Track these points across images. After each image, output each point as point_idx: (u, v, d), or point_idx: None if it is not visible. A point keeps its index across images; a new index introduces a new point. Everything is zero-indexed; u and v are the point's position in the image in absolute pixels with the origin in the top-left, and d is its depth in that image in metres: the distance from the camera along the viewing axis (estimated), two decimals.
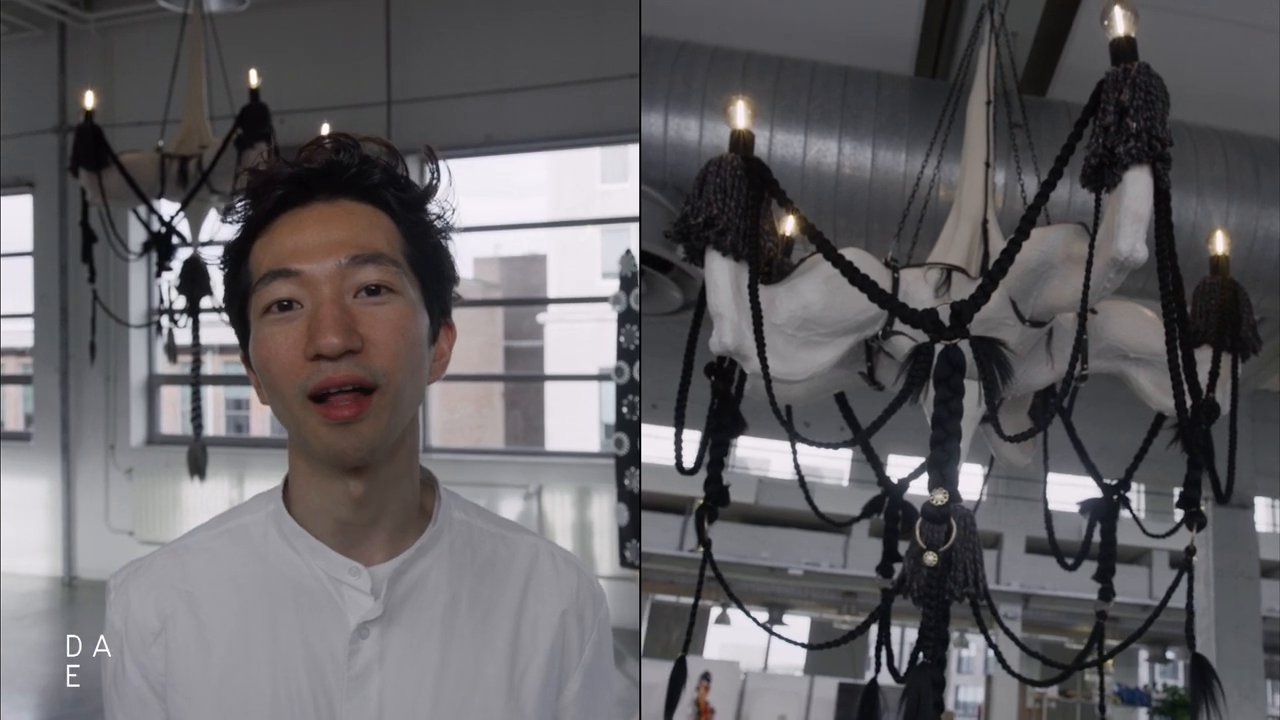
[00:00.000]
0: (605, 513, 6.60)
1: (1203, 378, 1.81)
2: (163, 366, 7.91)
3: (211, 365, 10.10)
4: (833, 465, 13.27)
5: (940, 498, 1.40)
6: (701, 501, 1.99)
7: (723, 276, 1.60)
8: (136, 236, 5.00)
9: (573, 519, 6.83)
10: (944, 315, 1.46)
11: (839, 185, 3.49)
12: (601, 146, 8.37)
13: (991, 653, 2.45)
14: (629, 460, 4.21)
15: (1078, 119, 1.52)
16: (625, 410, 4.26)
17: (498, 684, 1.14)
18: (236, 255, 1.10)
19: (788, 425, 1.91)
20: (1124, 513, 2.18)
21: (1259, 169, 3.53)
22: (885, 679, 2.16)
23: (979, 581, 1.57)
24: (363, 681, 1.10)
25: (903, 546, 2.22)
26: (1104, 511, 2.16)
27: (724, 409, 1.97)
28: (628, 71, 5.43)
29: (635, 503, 4.19)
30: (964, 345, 1.50)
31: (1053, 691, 11.47)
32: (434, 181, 1.14)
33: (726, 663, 11.10)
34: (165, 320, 4.41)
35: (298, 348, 1.03)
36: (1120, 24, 1.49)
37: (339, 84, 6.84)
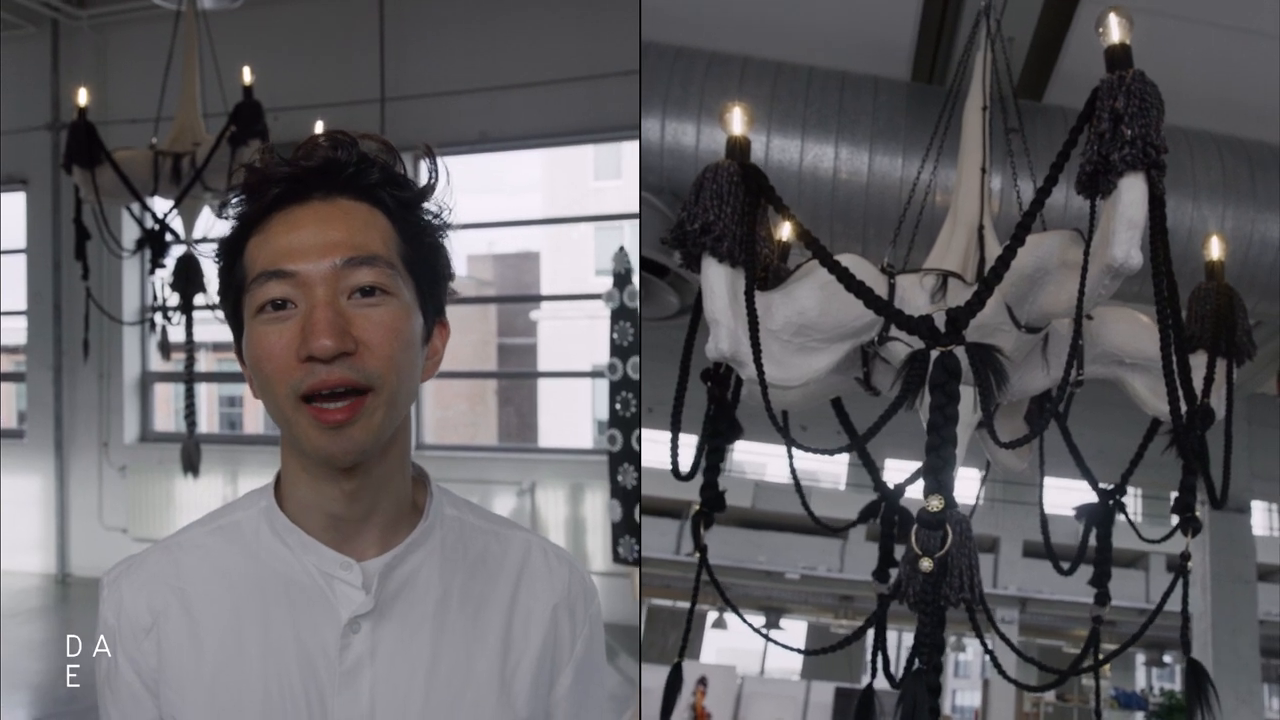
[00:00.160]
0: (598, 509, 6.61)
1: (1198, 383, 1.81)
2: (156, 364, 7.89)
3: (205, 362, 10.11)
4: (829, 470, 13.27)
5: (935, 504, 1.39)
6: (698, 507, 1.99)
7: (719, 282, 1.60)
8: (130, 234, 5.00)
9: (566, 515, 6.84)
10: (940, 321, 1.45)
11: (835, 190, 3.49)
12: (595, 144, 8.36)
13: (988, 657, 2.46)
14: (622, 456, 4.20)
15: (1073, 125, 1.52)
16: (618, 407, 4.25)
17: (489, 679, 1.14)
18: (232, 251, 1.10)
19: (784, 431, 1.91)
20: (1120, 517, 2.18)
21: (1255, 173, 3.54)
22: (881, 684, 2.16)
23: (975, 587, 1.57)
24: (354, 676, 1.10)
25: (899, 551, 2.22)
26: (1100, 516, 2.16)
27: (720, 415, 1.96)
28: (623, 68, 5.41)
29: (628, 499, 4.19)
30: (960, 351, 1.50)
31: (1049, 696, 11.48)
32: (432, 180, 1.13)
33: (723, 667, 11.10)
34: (159, 317, 4.41)
35: (291, 348, 1.03)
36: (1115, 31, 1.49)
37: (333, 81, 6.83)
